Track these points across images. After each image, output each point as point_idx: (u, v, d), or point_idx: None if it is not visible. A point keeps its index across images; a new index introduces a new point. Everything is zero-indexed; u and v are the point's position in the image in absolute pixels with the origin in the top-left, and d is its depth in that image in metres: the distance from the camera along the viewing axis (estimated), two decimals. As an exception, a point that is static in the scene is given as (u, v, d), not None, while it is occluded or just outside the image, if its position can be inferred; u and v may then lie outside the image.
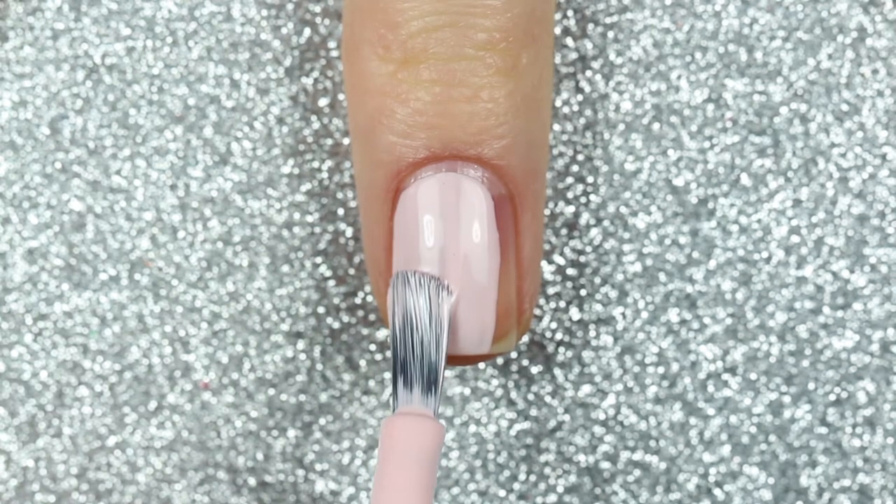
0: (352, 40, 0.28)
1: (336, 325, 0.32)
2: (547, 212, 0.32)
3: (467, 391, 0.33)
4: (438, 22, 0.26)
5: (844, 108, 0.32)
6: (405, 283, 0.26)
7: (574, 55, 0.32)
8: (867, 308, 0.32)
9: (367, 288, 0.32)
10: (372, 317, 0.32)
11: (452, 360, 0.28)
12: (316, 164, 0.32)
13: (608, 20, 0.32)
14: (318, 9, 0.32)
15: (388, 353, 0.32)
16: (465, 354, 0.27)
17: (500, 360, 0.33)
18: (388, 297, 0.27)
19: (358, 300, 0.32)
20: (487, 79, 0.26)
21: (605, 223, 0.32)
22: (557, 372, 0.32)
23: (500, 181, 0.27)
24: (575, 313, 0.32)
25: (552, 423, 0.33)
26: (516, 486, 0.33)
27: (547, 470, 0.33)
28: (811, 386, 0.32)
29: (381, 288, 0.28)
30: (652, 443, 0.33)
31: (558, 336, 0.32)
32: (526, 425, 0.33)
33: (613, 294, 0.32)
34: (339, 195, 0.32)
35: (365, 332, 0.32)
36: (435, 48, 0.26)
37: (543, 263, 0.32)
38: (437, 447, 0.25)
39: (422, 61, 0.26)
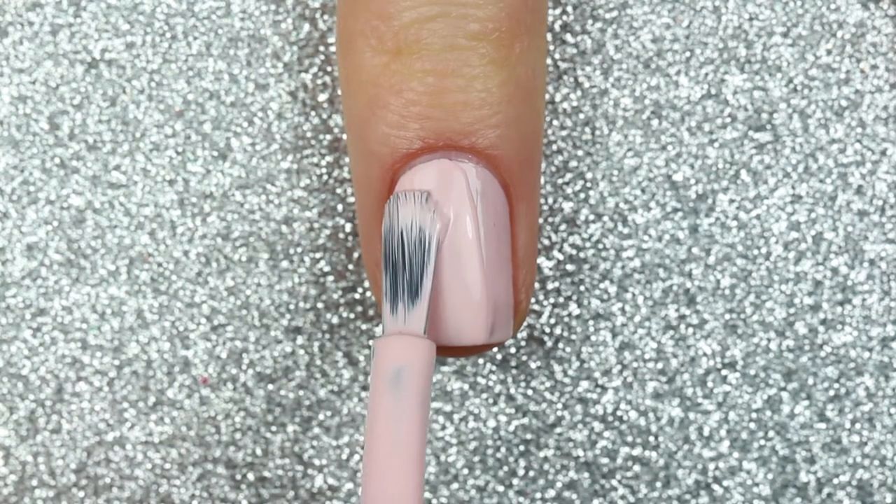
0: (345, 32, 0.28)
1: (335, 320, 0.32)
2: (546, 208, 0.32)
3: (466, 387, 0.33)
4: (431, 12, 0.26)
5: (844, 103, 0.32)
6: (395, 200, 0.26)
7: (573, 50, 0.32)
8: (866, 304, 0.32)
9: (367, 283, 0.32)
10: (371, 312, 0.32)
11: (449, 352, 0.28)
12: (315, 160, 0.32)
13: (608, 15, 0.32)
14: (317, 4, 0.32)
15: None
16: (461, 346, 0.27)
17: (498, 356, 0.33)
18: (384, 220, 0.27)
19: (357, 295, 0.32)
20: (481, 69, 0.26)
21: (605, 219, 0.32)
22: (556, 367, 0.32)
23: (495, 171, 0.27)
24: (574, 309, 0.32)
25: (551, 419, 0.33)
26: (515, 481, 0.33)
27: (546, 465, 0.33)
28: (810, 381, 0.32)
29: (379, 282, 0.28)
30: (651, 438, 0.32)
31: (557, 331, 0.32)
32: (525, 421, 0.33)
33: (612, 290, 0.32)
34: (339, 191, 0.32)
35: (364, 327, 0.32)
36: (428, 39, 0.26)
37: (543, 259, 0.32)
38: (428, 364, 0.25)
39: (415, 52, 0.26)
